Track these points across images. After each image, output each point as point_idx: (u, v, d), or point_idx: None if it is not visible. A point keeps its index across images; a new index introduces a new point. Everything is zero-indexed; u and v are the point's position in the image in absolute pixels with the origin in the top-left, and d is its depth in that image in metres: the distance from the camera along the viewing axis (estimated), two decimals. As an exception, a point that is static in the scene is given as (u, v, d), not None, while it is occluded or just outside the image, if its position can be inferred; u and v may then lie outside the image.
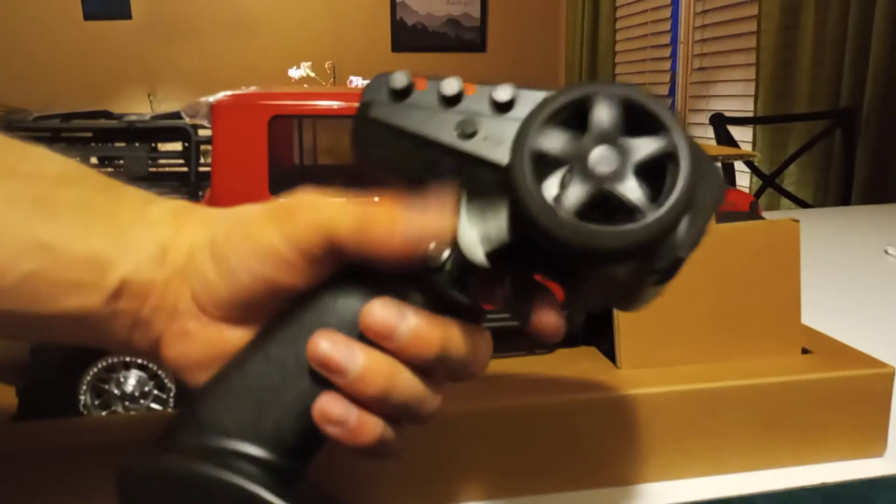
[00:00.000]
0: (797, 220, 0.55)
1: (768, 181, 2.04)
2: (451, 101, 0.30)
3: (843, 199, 1.99)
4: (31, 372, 0.49)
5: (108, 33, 3.77)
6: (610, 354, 0.56)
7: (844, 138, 1.99)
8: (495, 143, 0.28)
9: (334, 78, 2.78)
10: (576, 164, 0.26)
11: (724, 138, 2.03)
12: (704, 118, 2.41)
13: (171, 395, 0.51)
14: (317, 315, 0.30)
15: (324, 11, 4.04)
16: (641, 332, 0.54)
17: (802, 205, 2.05)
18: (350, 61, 3.50)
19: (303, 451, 0.31)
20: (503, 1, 4.22)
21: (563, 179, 0.26)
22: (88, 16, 3.85)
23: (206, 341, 0.31)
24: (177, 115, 0.59)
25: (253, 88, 0.55)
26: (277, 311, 0.31)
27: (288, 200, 0.31)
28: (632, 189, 0.26)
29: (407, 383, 0.30)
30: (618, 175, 0.26)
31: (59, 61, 3.78)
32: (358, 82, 2.72)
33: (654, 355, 0.53)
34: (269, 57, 3.77)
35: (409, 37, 4.17)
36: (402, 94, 0.31)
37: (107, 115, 0.66)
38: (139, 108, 3.45)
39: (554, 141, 0.26)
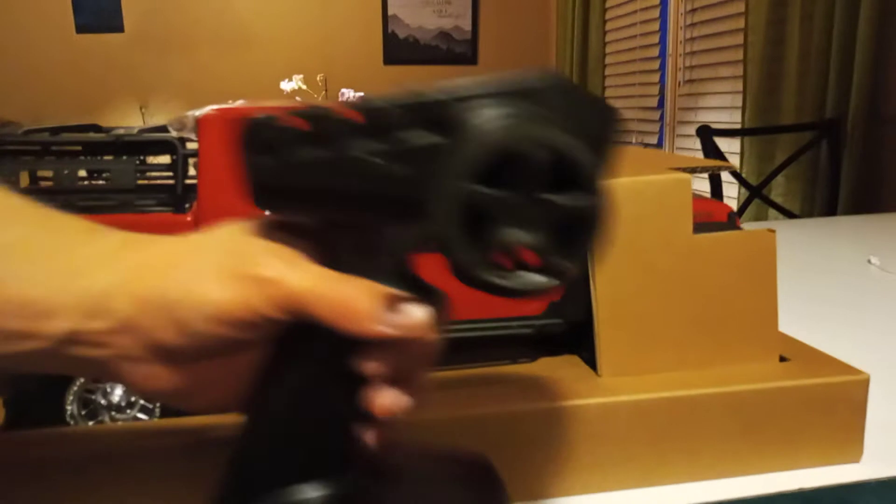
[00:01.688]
0: (773, 231, 0.56)
1: (755, 192, 2.06)
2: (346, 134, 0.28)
3: (830, 210, 2.01)
4: (17, 382, 0.50)
5: (100, 46, 3.78)
6: (591, 363, 0.57)
7: (830, 149, 2.02)
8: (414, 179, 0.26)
9: (326, 90, 2.80)
10: (499, 214, 0.26)
11: (711, 150, 2.05)
12: (693, 130, 2.43)
13: (157, 405, 0.52)
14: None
15: (316, 25, 4.06)
16: (621, 340, 0.54)
17: (789, 215, 2.07)
18: (342, 74, 3.52)
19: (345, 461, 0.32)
20: (494, 14, 4.25)
21: (486, 227, 0.26)
22: (81, 29, 3.86)
23: (171, 378, 0.30)
24: (165, 129, 0.59)
25: (241, 102, 0.56)
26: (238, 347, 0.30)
27: (252, 265, 0.29)
28: (544, 247, 0.27)
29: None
30: (533, 229, 0.27)
31: (52, 74, 3.78)
32: (349, 94, 2.74)
33: (634, 363, 0.54)
34: (262, 70, 3.78)
35: (400, 50, 4.20)
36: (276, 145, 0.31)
37: (96, 128, 0.67)
38: (131, 120, 3.46)
39: (477, 191, 0.26)
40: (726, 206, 0.62)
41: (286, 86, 2.91)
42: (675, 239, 0.54)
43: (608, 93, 3.67)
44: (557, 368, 0.57)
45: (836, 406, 0.54)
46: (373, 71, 4.12)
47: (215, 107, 0.53)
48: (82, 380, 0.50)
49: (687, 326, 0.55)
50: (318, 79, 2.93)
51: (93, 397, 0.51)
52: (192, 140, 0.55)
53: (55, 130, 0.60)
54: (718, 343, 0.56)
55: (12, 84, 3.71)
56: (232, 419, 0.32)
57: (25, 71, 3.81)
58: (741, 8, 2.43)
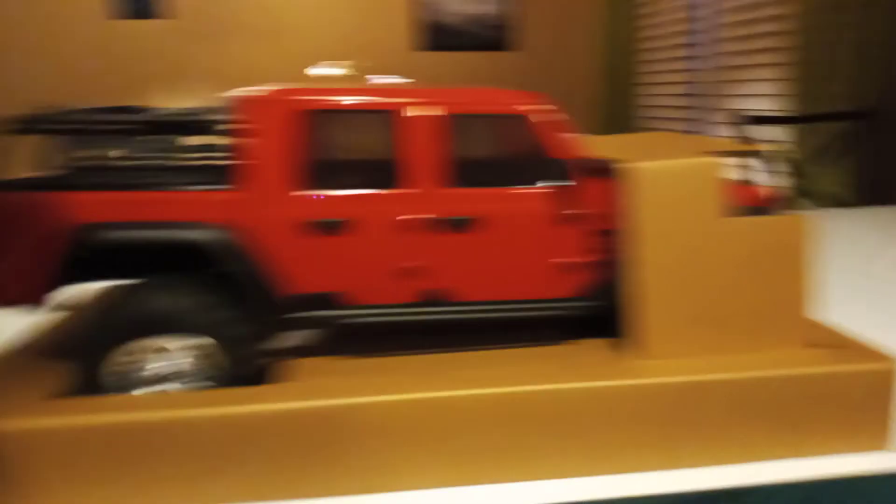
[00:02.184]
0: (803, 215, 0.55)
1: (796, 180, 2.02)
2: None
3: (872, 199, 1.97)
4: (70, 355, 0.52)
5: (134, 33, 3.83)
6: (623, 346, 0.57)
7: (872, 137, 1.97)
8: None
9: (356, 77, 2.80)
10: None
11: (747, 137, 2.01)
12: (728, 117, 2.39)
13: (188, 380, 0.53)
14: None
15: (346, 12, 4.06)
16: (655, 323, 0.54)
17: (832, 204, 2.03)
18: (371, 61, 3.52)
19: None
20: None
21: None
22: (115, 15, 3.91)
23: None
24: (210, 110, 0.60)
25: (276, 85, 0.57)
26: None
27: None
28: None
29: None
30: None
31: (85, 59, 3.84)
32: (379, 81, 2.74)
33: (667, 346, 0.54)
34: (292, 59, 3.79)
35: (431, 36, 4.18)
36: None
37: (129, 110, 0.67)
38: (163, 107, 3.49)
39: None
40: (766, 190, 0.61)
41: (316, 72, 2.91)
42: (706, 223, 0.54)
43: (644, 79, 3.63)
44: (591, 351, 0.57)
45: (860, 392, 0.53)
46: (403, 57, 4.11)
47: (261, 88, 0.54)
48: (126, 352, 0.52)
49: (712, 312, 0.55)
50: (347, 66, 2.93)
51: (127, 371, 0.53)
52: (235, 121, 0.56)
53: (92, 111, 0.61)
54: (743, 329, 0.56)
55: (47, 70, 3.78)
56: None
57: (59, 56, 3.87)
58: (782, -7, 2.37)
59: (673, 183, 0.53)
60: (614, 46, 3.79)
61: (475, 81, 4.28)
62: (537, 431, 0.51)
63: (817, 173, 2.16)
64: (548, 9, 4.46)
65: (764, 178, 0.73)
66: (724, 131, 2.92)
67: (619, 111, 3.90)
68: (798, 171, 2.06)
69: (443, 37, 4.43)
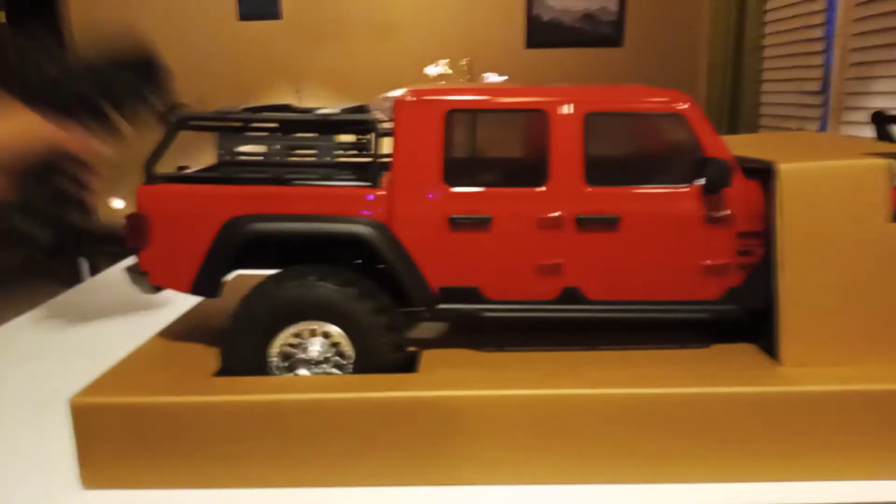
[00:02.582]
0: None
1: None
2: None
3: None
4: (230, 337, 0.56)
5: (259, 34, 4.02)
6: (770, 352, 0.56)
7: None
8: None
9: (471, 75, 2.83)
10: None
11: (886, 138, 1.89)
12: (862, 116, 2.25)
13: (351, 361, 0.56)
14: None
15: (459, 9, 4.11)
16: (804, 330, 0.53)
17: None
18: (485, 58, 3.55)
19: None
20: (642, -6, 4.11)
21: None
22: (243, 16, 4.12)
23: None
24: (362, 109, 0.64)
25: (404, 90, 0.59)
26: None
27: None
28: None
29: None
30: None
31: (214, 60, 4.07)
32: (493, 78, 2.76)
33: (818, 354, 0.53)
34: (408, 56, 3.87)
35: (543, 33, 4.16)
36: None
37: (288, 108, 0.72)
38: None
39: None
40: (925, 195, 0.58)
41: (431, 70, 2.96)
42: (868, 227, 0.52)
43: (766, 75, 3.46)
44: (734, 355, 0.56)
45: None
46: (515, 54, 4.11)
47: (411, 89, 0.57)
48: (286, 336, 0.56)
49: (873, 319, 0.53)
50: (462, 63, 2.97)
51: (293, 351, 0.57)
52: (386, 121, 0.59)
53: (254, 110, 0.66)
54: (909, 339, 0.53)
55: (178, 70, 4.03)
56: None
57: (190, 56, 4.11)
58: (925, -18, 2.21)
59: (835, 185, 0.52)
60: (737, 40, 3.64)
61: (587, 78, 4.23)
62: (669, 435, 0.51)
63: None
64: (659, 2, 4.33)
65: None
66: (861, 132, 2.75)
67: (740, 110, 3.74)
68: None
69: (555, 33, 4.40)
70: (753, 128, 3.48)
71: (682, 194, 0.55)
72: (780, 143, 0.64)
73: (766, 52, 3.48)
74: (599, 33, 4.18)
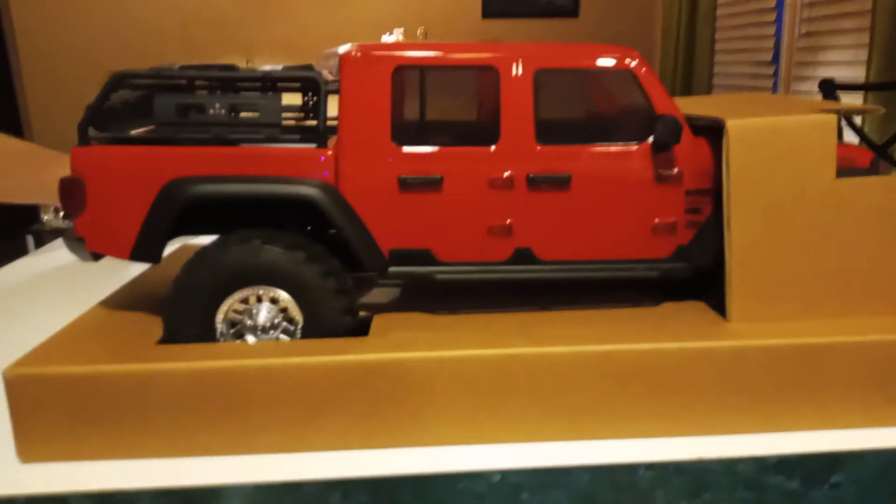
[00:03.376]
0: (920, 178, 0.53)
1: (879, 151, 1.93)
2: None
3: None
4: (174, 304, 0.54)
5: (208, 6, 3.90)
6: (718, 309, 0.56)
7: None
8: None
9: (426, 44, 2.79)
10: None
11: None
12: (811, 85, 2.29)
13: (299, 327, 0.55)
14: None
15: (416, -22, 4.05)
16: (753, 286, 0.54)
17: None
18: (440, 28, 3.51)
19: None
20: (597, -35, 4.11)
21: None
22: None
23: None
24: (307, 68, 0.62)
25: (352, 45, 0.57)
26: None
27: None
28: None
29: None
30: None
31: (162, 32, 3.94)
32: (449, 48, 2.74)
33: (765, 310, 0.54)
34: (361, 25, 3.81)
35: (500, 2, 4.13)
36: None
37: (232, 68, 0.70)
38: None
39: None
40: (868, 151, 0.59)
41: (387, 39, 2.92)
42: (815, 183, 0.53)
43: (718, 45, 3.50)
44: (683, 313, 0.57)
45: (982, 363, 0.51)
46: (472, 24, 4.08)
47: (357, 44, 0.55)
48: (232, 302, 0.54)
49: (821, 275, 0.54)
50: (418, 32, 2.93)
51: (240, 317, 0.55)
52: (332, 80, 0.57)
53: (201, 68, 0.64)
54: (853, 292, 0.54)
55: (124, 41, 3.90)
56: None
57: (139, 31, 3.98)
58: (872, -47, 2.25)
59: (781, 140, 0.52)
60: (690, 10, 3.66)
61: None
62: (621, 391, 0.51)
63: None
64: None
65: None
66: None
67: (693, 79, 3.78)
68: (886, 141, 1.96)
69: (512, 4, 4.37)
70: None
71: (631, 152, 0.55)
72: (730, 102, 0.65)
73: (720, 23, 3.51)
74: (556, 4, 4.16)
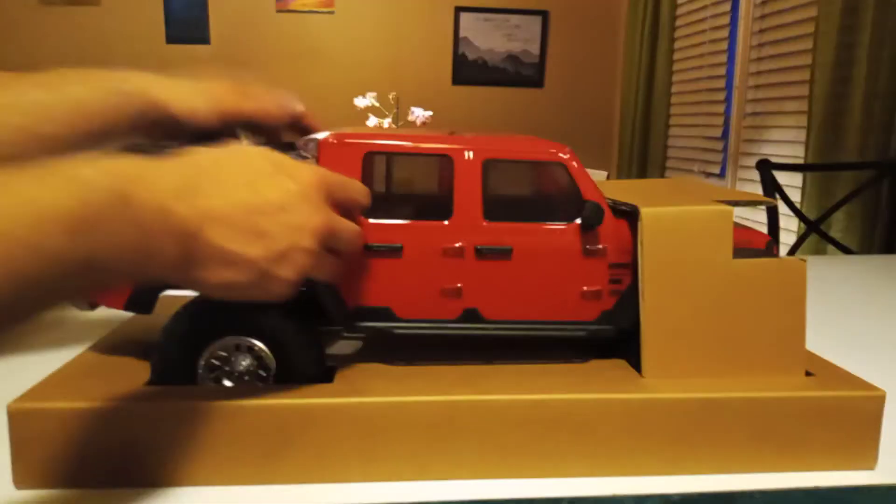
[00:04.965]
0: (804, 259, 0.64)
1: (813, 227, 2.09)
2: None
3: (888, 248, 2.03)
4: (161, 349, 0.62)
5: (187, 57, 4.02)
6: (637, 367, 0.65)
7: (891, 188, 2.04)
8: None
9: (398, 109, 2.93)
10: None
11: (770, 183, 2.09)
12: (756, 162, 2.45)
13: (272, 374, 0.63)
14: None
15: (388, 45, 4.24)
16: (663, 347, 0.63)
17: (847, 251, 2.09)
18: (412, 93, 3.67)
19: None
20: (562, 40, 4.35)
21: None
22: (171, 39, 4.12)
23: None
24: (291, 147, 0.71)
25: (347, 129, 0.67)
26: None
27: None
28: None
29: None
30: None
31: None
32: (419, 113, 2.87)
33: (672, 368, 0.63)
34: (335, 88, 3.95)
35: (469, 71, 4.33)
36: None
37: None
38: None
39: None
40: (765, 235, 0.70)
41: (360, 102, 3.04)
42: (715, 262, 0.63)
43: (673, 121, 3.72)
44: (606, 369, 0.66)
45: (851, 417, 0.61)
46: (442, 91, 4.26)
47: (333, 132, 0.64)
48: (212, 349, 0.62)
49: (722, 339, 0.64)
50: (390, 97, 3.06)
51: (218, 364, 0.62)
52: (312, 160, 0.66)
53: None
54: (749, 355, 0.64)
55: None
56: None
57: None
58: (809, 45, 2.46)
59: (688, 227, 0.62)
60: (647, 87, 3.88)
61: (511, 116, 4.39)
62: (551, 435, 0.59)
63: (838, 220, 2.22)
64: (576, 48, 4.57)
65: (782, 224, 0.81)
66: (750, 176, 2.98)
67: (648, 152, 3.97)
68: (817, 218, 2.12)
69: (480, 72, 4.55)
70: (661, 168, 3.71)
71: (563, 230, 0.65)
72: (648, 189, 0.75)
73: (674, 99, 3.73)
74: (522, 74, 4.38)
